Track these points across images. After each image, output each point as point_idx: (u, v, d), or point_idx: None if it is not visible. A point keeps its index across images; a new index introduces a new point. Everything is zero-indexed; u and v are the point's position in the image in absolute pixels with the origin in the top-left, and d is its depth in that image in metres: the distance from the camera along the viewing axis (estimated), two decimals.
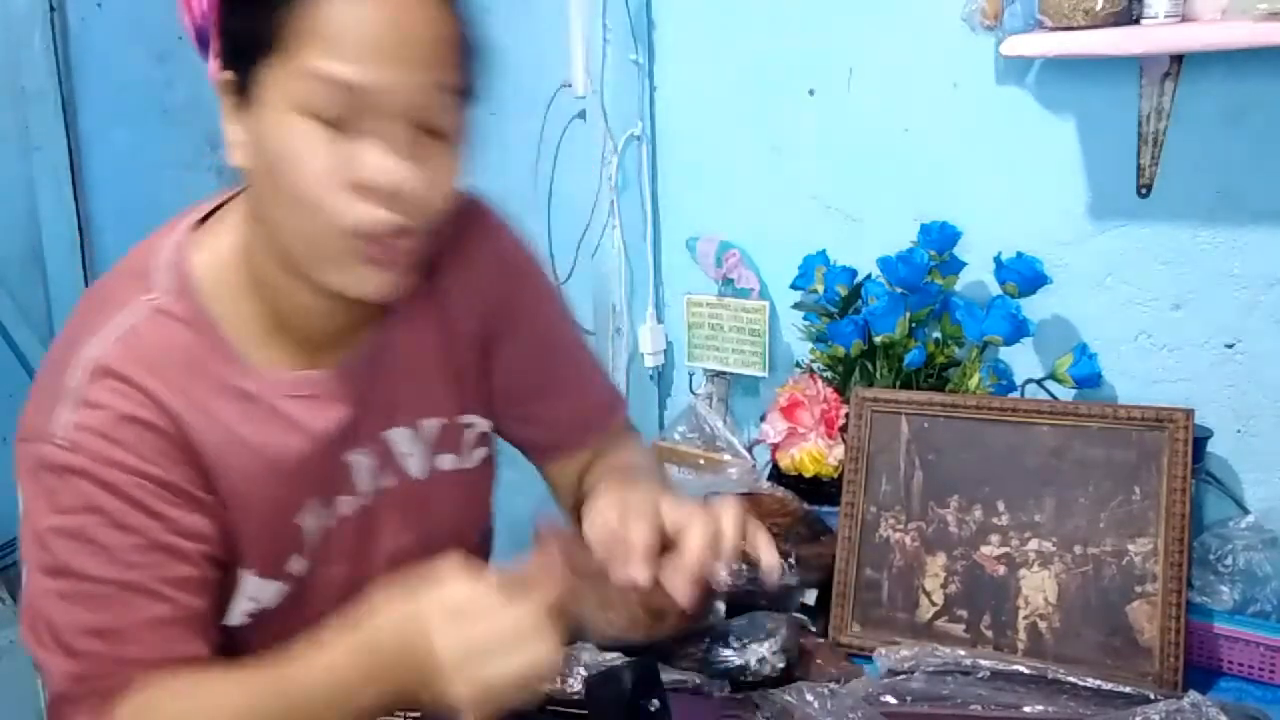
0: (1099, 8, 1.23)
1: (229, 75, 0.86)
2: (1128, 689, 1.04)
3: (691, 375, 1.78)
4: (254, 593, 0.96)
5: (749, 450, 1.63)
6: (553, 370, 1.12)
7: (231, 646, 0.94)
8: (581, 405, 1.13)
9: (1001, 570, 1.19)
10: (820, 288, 1.50)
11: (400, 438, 1.02)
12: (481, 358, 1.08)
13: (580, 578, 0.82)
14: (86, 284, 2.57)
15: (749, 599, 1.19)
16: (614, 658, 1.05)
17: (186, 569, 0.88)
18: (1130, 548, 1.15)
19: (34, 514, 0.88)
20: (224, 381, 0.92)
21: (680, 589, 0.82)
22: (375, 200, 0.83)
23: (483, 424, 1.09)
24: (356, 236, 0.84)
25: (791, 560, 1.23)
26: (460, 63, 0.88)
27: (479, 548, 1.15)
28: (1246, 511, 1.34)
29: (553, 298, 1.13)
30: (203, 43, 0.93)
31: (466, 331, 1.05)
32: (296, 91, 0.81)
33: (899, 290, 1.41)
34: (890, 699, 1.03)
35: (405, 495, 1.03)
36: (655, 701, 0.93)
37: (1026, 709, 1.01)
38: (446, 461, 1.06)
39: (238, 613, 0.95)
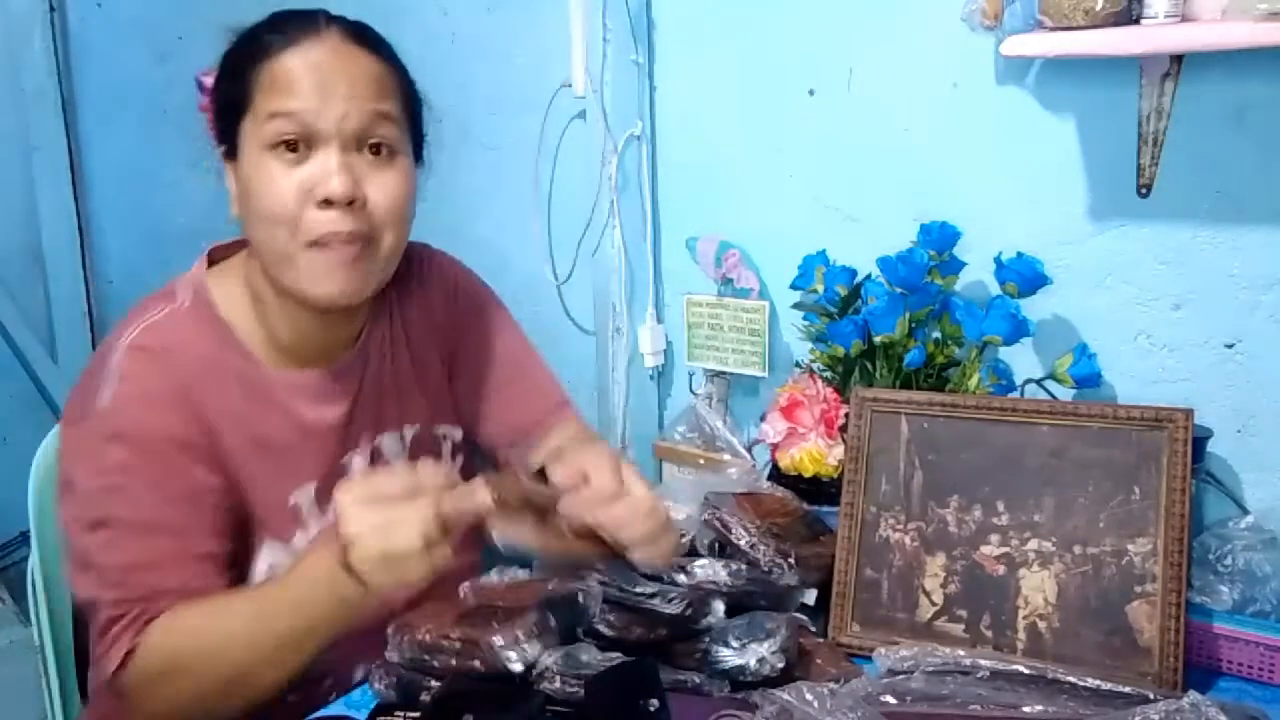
0: (1099, 8, 1.23)
1: (221, 146, 1.09)
2: (1127, 689, 1.04)
3: (691, 375, 1.78)
4: (269, 556, 1.13)
5: (749, 450, 1.63)
6: (503, 374, 1.32)
7: None
8: (532, 403, 1.33)
9: (1001, 570, 1.19)
10: (820, 288, 1.50)
11: (389, 442, 1.23)
12: (445, 373, 1.30)
13: (525, 499, 0.99)
14: (86, 284, 2.58)
15: (748, 599, 1.19)
16: (614, 657, 1.05)
17: (206, 518, 1.07)
18: (1130, 548, 1.15)
19: (78, 481, 1.06)
20: (233, 369, 1.11)
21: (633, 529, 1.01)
22: (326, 211, 1.03)
23: (455, 433, 1.30)
24: (317, 243, 1.04)
25: (791, 560, 1.23)
26: (393, 95, 1.09)
27: (471, 545, 1.23)
28: (1246, 511, 1.34)
29: (499, 314, 1.34)
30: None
31: (430, 353, 1.27)
32: (262, 133, 1.03)
33: (899, 290, 1.41)
34: (890, 699, 1.03)
35: None
36: (654, 701, 0.93)
37: (1026, 709, 1.00)
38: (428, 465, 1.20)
39: (259, 573, 1.13)
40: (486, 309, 1.33)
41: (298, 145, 1.03)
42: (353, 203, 1.04)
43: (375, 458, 1.21)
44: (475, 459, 1.36)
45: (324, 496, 1.15)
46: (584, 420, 1.37)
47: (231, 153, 1.08)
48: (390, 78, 1.09)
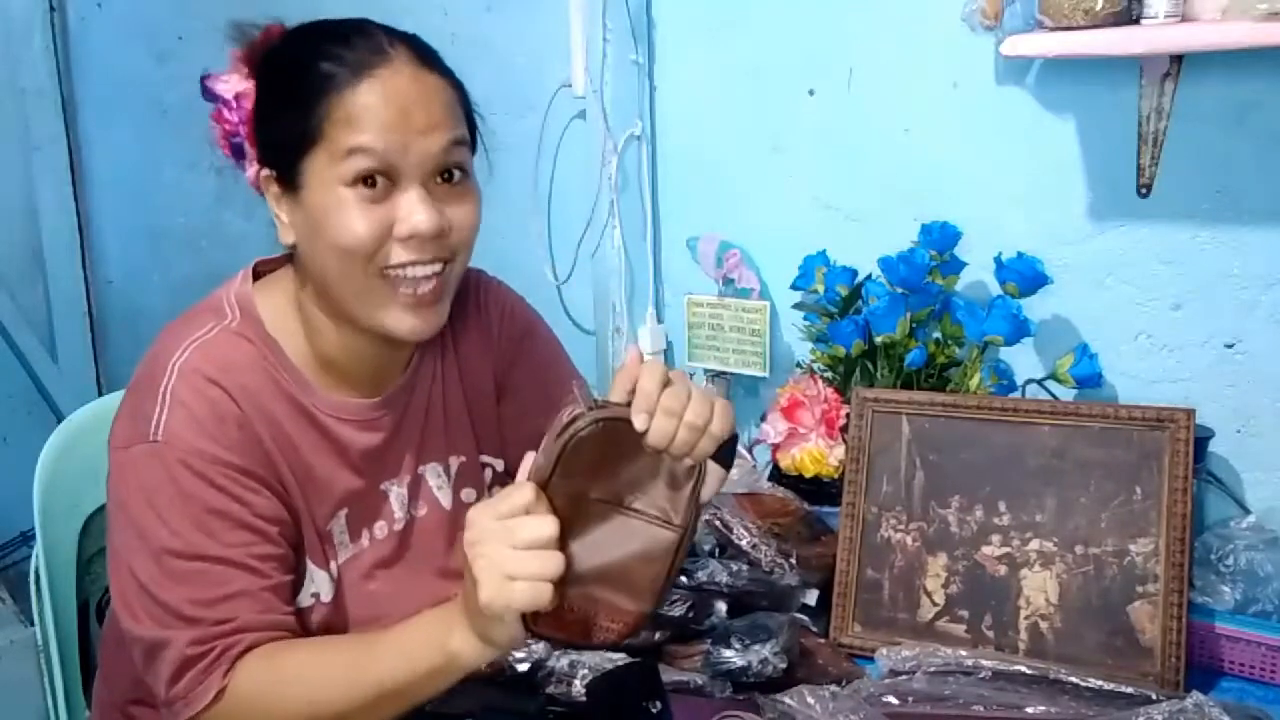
0: (1099, 8, 1.23)
1: (271, 172, 1.04)
2: (1129, 689, 1.04)
3: (692, 375, 1.77)
4: (314, 579, 1.09)
5: (749, 450, 1.63)
6: (554, 403, 1.19)
7: (304, 633, 1.07)
8: None
9: (1003, 570, 1.19)
10: (820, 288, 1.50)
11: (431, 473, 1.18)
12: (496, 404, 1.24)
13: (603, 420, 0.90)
14: (86, 284, 2.58)
15: (750, 600, 1.20)
16: (617, 659, 1.05)
17: (270, 547, 1.02)
18: (1131, 548, 1.15)
19: (133, 510, 1.00)
20: (284, 391, 1.07)
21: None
22: (413, 246, 1.00)
23: (498, 464, 1.24)
24: (395, 274, 1.01)
25: (793, 561, 1.23)
26: (461, 117, 1.06)
27: None
28: (1247, 511, 1.34)
29: (549, 343, 1.29)
30: (236, 151, 1.10)
31: (482, 383, 1.22)
32: (340, 170, 0.99)
33: (899, 290, 1.41)
34: (892, 699, 1.03)
35: (436, 524, 1.17)
36: (656, 703, 0.93)
37: (1028, 709, 1.01)
38: (470, 496, 1.21)
39: (306, 595, 1.08)
40: (538, 334, 1.28)
41: (376, 180, 0.99)
42: (438, 235, 1.02)
43: (416, 487, 1.17)
44: None
45: (356, 523, 1.12)
46: None
47: (288, 181, 1.03)
48: (456, 98, 1.06)
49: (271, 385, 1.06)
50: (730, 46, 1.65)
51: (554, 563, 0.87)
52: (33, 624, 1.34)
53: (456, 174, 1.04)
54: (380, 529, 1.14)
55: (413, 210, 1.00)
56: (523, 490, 0.88)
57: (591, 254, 1.76)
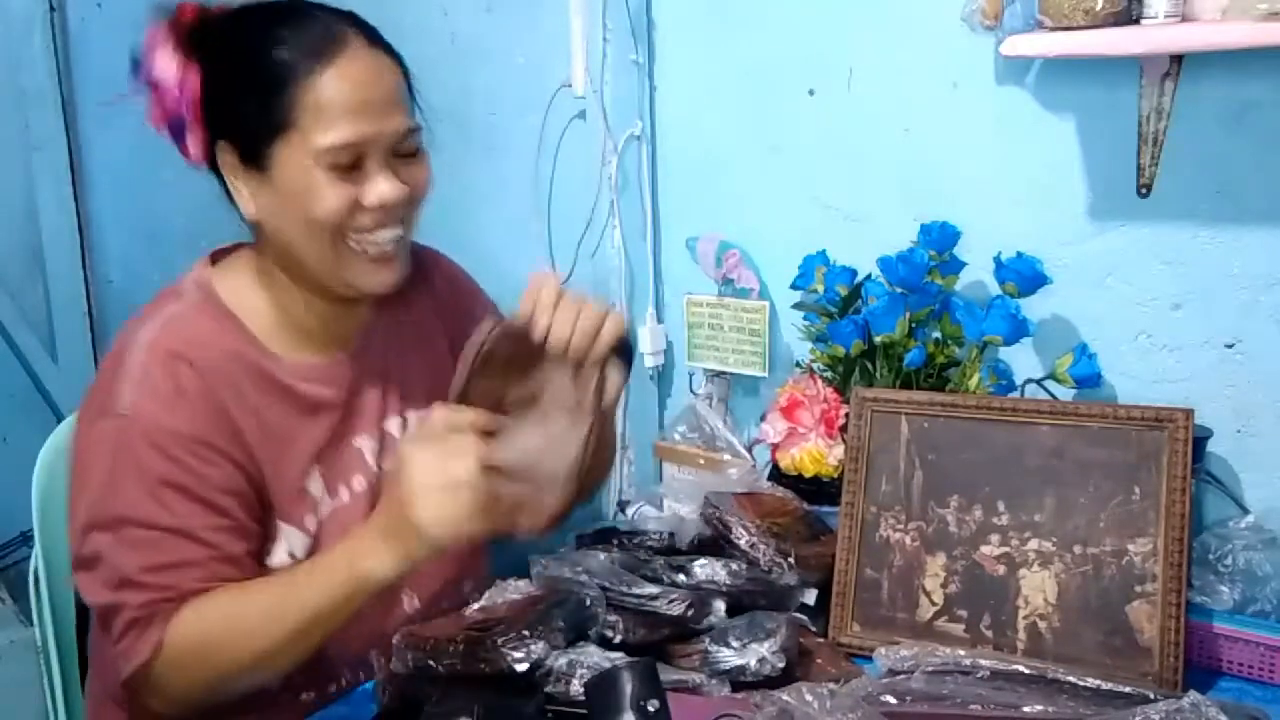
0: (1099, 8, 1.23)
1: (228, 148, 1.12)
2: (1128, 689, 1.04)
3: (691, 375, 1.78)
4: (288, 539, 1.16)
5: (749, 450, 1.63)
6: None
7: None
8: None
9: (1001, 570, 1.19)
10: (820, 288, 1.50)
11: (394, 427, 1.26)
12: (451, 358, 1.27)
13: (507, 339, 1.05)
14: (86, 284, 2.58)
15: (749, 599, 1.20)
16: (615, 658, 1.05)
17: (222, 519, 1.09)
18: (1130, 547, 1.15)
19: (93, 479, 1.08)
20: (245, 359, 1.15)
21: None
22: (380, 215, 1.11)
23: None
24: (364, 243, 1.12)
25: (791, 560, 1.23)
26: (408, 94, 1.16)
27: (479, 554, 1.32)
28: (1246, 511, 1.34)
29: (489, 308, 1.39)
30: (175, 129, 1.16)
31: (437, 340, 1.33)
32: (310, 151, 1.07)
33: (899, 290, 1.41)
34: (890, 699, 1.03)
35: None
36: (655, 702, 0.93)
37: (1026, 709, 1.00)
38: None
39: (278, 556, 1.15)
40: (480, 299, 1.40)
41: (345, 160, 1.09)
42: (401, 203, 1.12)
43: (383, 441, 1.24)
44: None
45: (332, 479, 1.20)
46: None
47: (253, 160, 1.11)
48: (403, 75, 1.15)
49: (232, 355, 1.14)
50: (730, 46, 1.65)
51: (476, 464, 0.98)
52: (32, 624, 1.34)
53: (411, 145, 1.14)
54: (358, 483, 1.21)
55: (381, 184, 1.10)
56: (438, 412, 1.02)
57: (591, 254, 1.76)
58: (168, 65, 1.11)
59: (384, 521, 1.03)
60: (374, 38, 1.13)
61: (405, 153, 1.13)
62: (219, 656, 1.06)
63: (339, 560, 1.06)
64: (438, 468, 0.98)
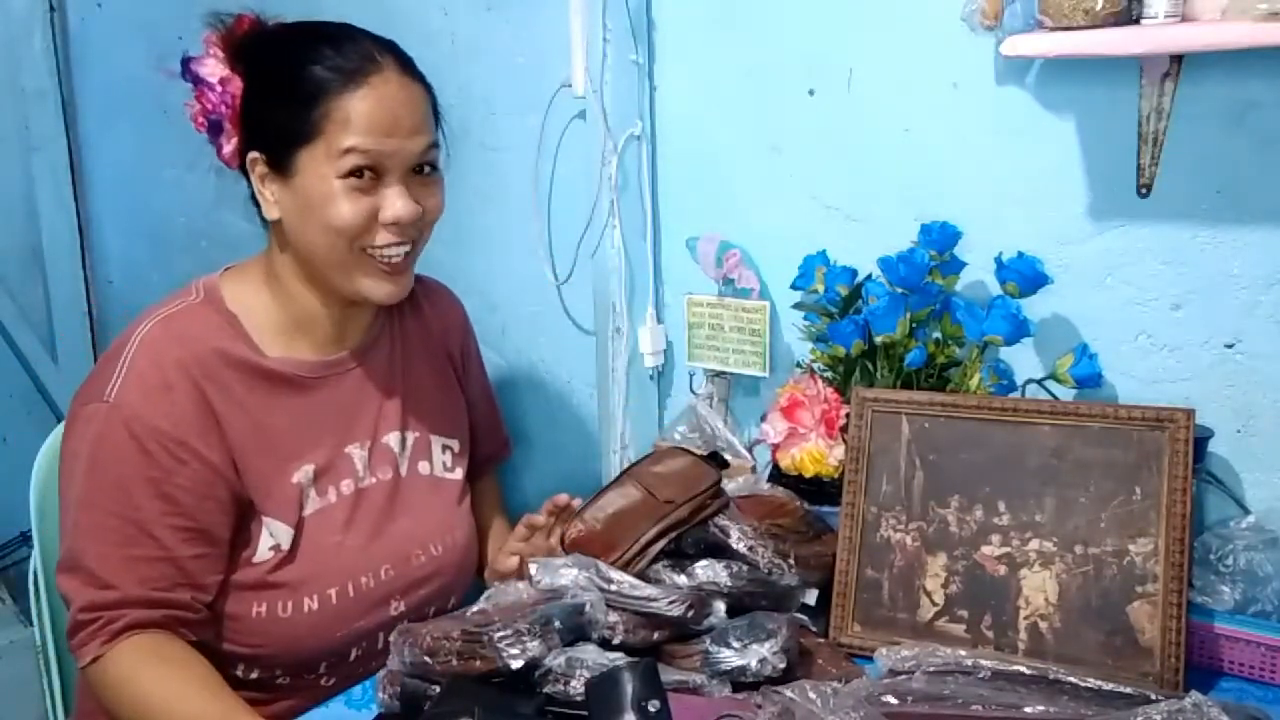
0: (1099, 8, 1.23)
1: (259, 155, 1.20)
2: (1129, 689, 1.04)
3: (692, 375, 1.78)
4: (273, 532, 1.21)
5: (749, 450, 1.63)
6: (482, 413, 1.53)
7: (262, 586, 1.20)
8: (494, 443, 1.56)
9: (1002, 570, 1.19)
10: (820, 288, 1.50)
11: (391, 440, 1.33)
12: (457, 380, 1.46)
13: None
14: (86, 284, 2.58)
15: (749, 600, 1.19)
16: (615, 658, 1.05)
17: (181, 519, 1.14)
18: (1131, 548, 1.15)
19: (77, 462, 1.13)
20: (239, 357, 1.21)
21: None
22: (393, 231, 1.20)
23: (454, 444, 1.42)
24: (380, 258, 1.20)
25: (792, 560, 1.23)
26: (434, 120, 1.24)
27: (464, 545, 1.41)
28: (1247, 511, 1.34)
29: (480, 355, 1.55)
30: (213, 129, 1.22)
31: (440, 362, 1.42)
32: (336, 165, 1.16)
33: (899, 290, 1.41)
34: (891, 699, 1.03)
35: (391, 488, 1.32)
36: (655, 702, 0.93)
37: (1027, 709, 1.01)
38: (423, 468, 1.37)
39: (264, 549, 1.20)
40: (473, 333, 1.51)
41: (364, 174, 1.17)
42: (414, 221, 1.21)
43: (374, 452, 1.31)
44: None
45: (323, 477, 1.26)
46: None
47: (280, 166, 1.19)
48: (431, 103, 1.24)
49: (226, 352, 1.20)
50: (730, 46, 1.65)
51: None
52: (32, 624, 1.34)
53: (430, 169, 1.23)
54: (346, 486, 1.28)
55: (396, 201, 1.18)
56: None
57: (591, 254, 1.76)
58: (215, 70, 1.20)
59: None
60: (409, 67, 1.22)
61: (423, 174, 1.22)
62: (131, 710, 1.12)
63: None
64: None
